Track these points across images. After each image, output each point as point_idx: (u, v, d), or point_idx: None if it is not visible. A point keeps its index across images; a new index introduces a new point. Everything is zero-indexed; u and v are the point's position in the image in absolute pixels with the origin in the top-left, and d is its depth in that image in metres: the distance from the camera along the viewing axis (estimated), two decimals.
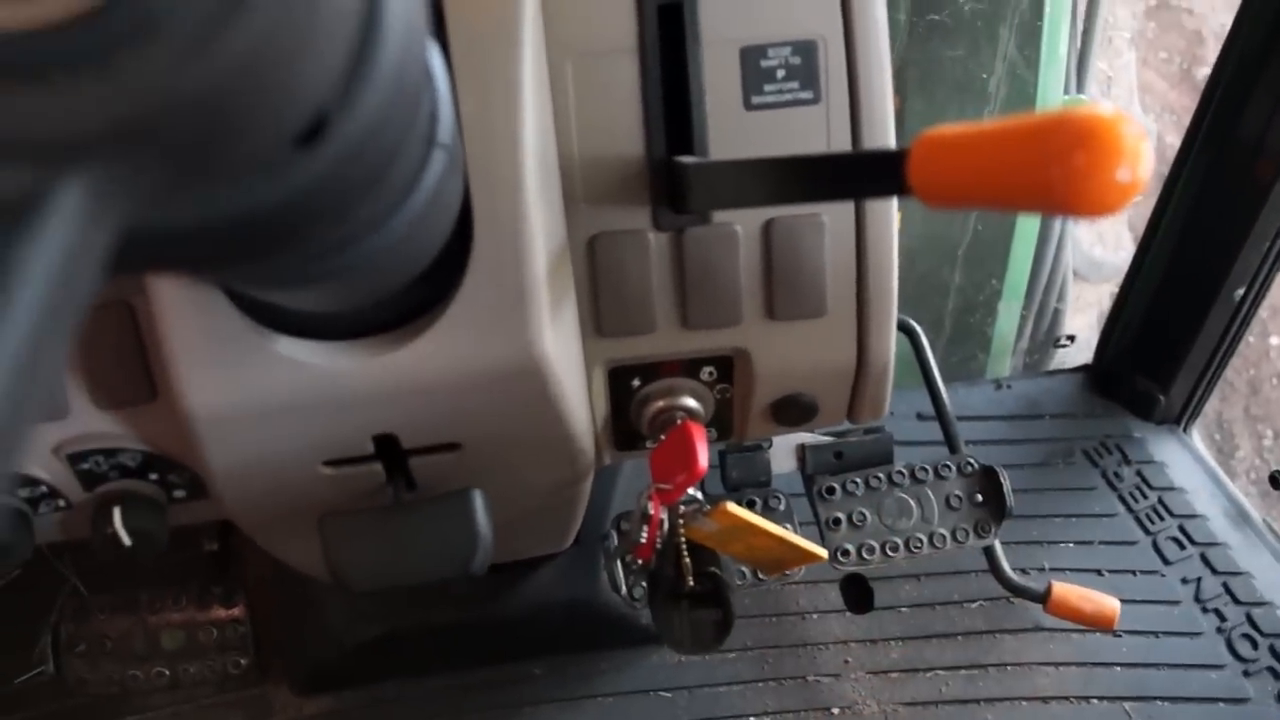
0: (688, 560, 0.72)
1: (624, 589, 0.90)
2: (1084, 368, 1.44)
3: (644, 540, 0.69)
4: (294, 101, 0.27)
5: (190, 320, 0.55)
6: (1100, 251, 2.31)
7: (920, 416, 1.31)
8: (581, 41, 0.59)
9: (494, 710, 1.02)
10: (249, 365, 0.55)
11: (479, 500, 0.62)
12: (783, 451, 1.00)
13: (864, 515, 0.99)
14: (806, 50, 0.61)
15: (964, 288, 1.49)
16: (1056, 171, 0.35)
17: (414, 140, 0.37)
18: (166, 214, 0.28)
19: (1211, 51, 1.11)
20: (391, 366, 0.56)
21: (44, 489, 0.65)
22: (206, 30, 0.21)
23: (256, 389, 0.56)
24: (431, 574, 0.63)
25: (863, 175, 0.51)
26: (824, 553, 0.74)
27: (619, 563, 0.90)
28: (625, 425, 0.69)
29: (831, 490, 0.99)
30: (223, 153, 0.26)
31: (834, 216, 0.63)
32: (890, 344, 0.67)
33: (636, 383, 0.67)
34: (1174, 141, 1.14)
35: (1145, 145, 0.35)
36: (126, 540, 0.65)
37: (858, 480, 1.00)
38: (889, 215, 0.64)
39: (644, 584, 0.92)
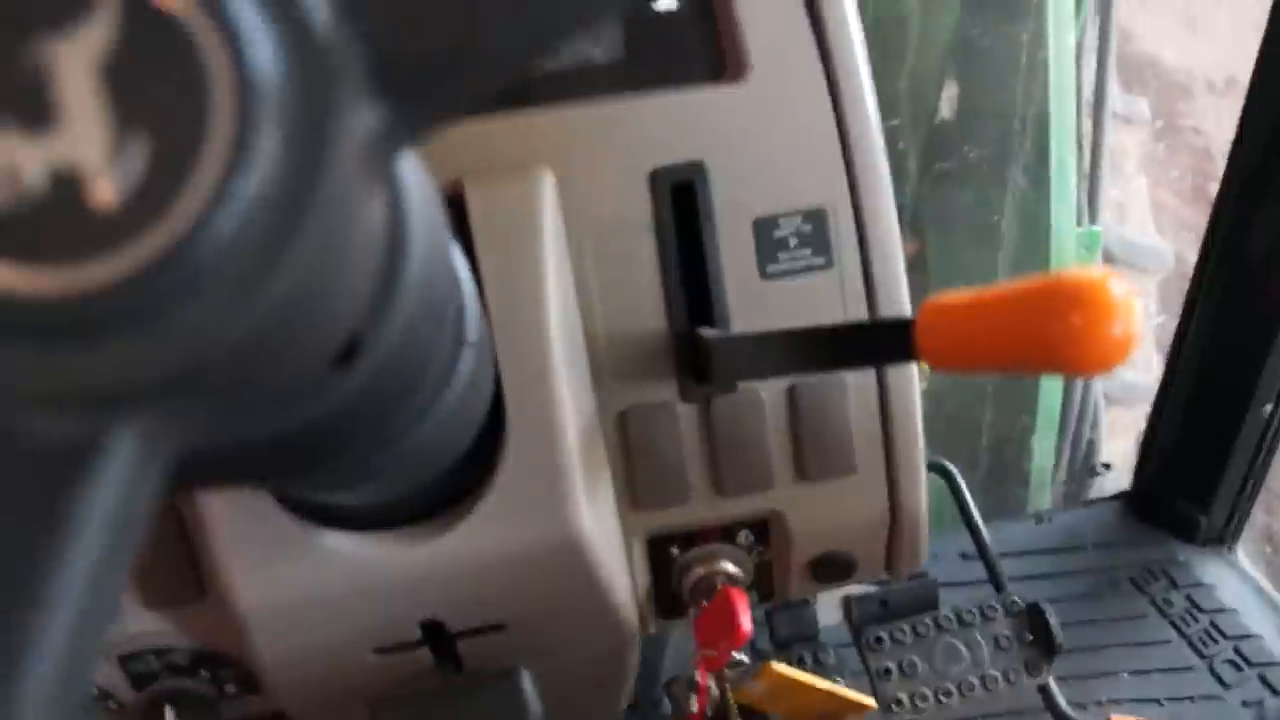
0: None
1: None
2: (1123, 494, 1.43)
3: (695, 710, 0.69)
4: (329, 330, 0.28)
5: (237, 520, 0.56)
6: (1132, 374, 2.31)
7: (964, 556, 1.31)
8: (600, 221, 0.62)
9: None
10: (297, 560, 0.56)
11: (527, 679, 0.63)
12: (829, 604, 1.00)
13: (914, 663, 0.99)
14: (817, 218, 0.63)
15: (996, 424, 1.50)
16: (1056, 332, 0.37)
17: (443, 343, 0.39)
18: (210, 441, 0.29)
19: (1222, 168, 1.14)
20: (435, 553, 0.57)
21: (94, 691, 0.66)
22: (248, 282, 0.23)
23: (305, 583, 0.57)
24: None
25: (874, 344, 0.53)
26: (872, 702, 0.74)
27: None
28: (667, 593, 0.69)
29: (880, 640, 0.99)
30: (264, 385, 0.28)
31: (855, 375, 0.65)
32: (921, 494, 0.68)
33: (675, 551, 0.67)
34: (1194, 258, 1.17)
35: (1135, 301, 0.37)
36: None
37: (905, 628, 1.00)
38: (909, 370, 0.66)
39: None
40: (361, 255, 0.27)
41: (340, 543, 0.57)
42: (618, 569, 0.64)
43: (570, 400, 0.58)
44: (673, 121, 0.62)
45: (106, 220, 0.21)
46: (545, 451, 0.57)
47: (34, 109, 0.21)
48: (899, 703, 0.97)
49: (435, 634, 0.62)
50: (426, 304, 0.34)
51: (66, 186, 0.21)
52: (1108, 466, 1.63)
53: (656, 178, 0.62)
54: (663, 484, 0.64)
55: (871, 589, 1.01)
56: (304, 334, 0.27)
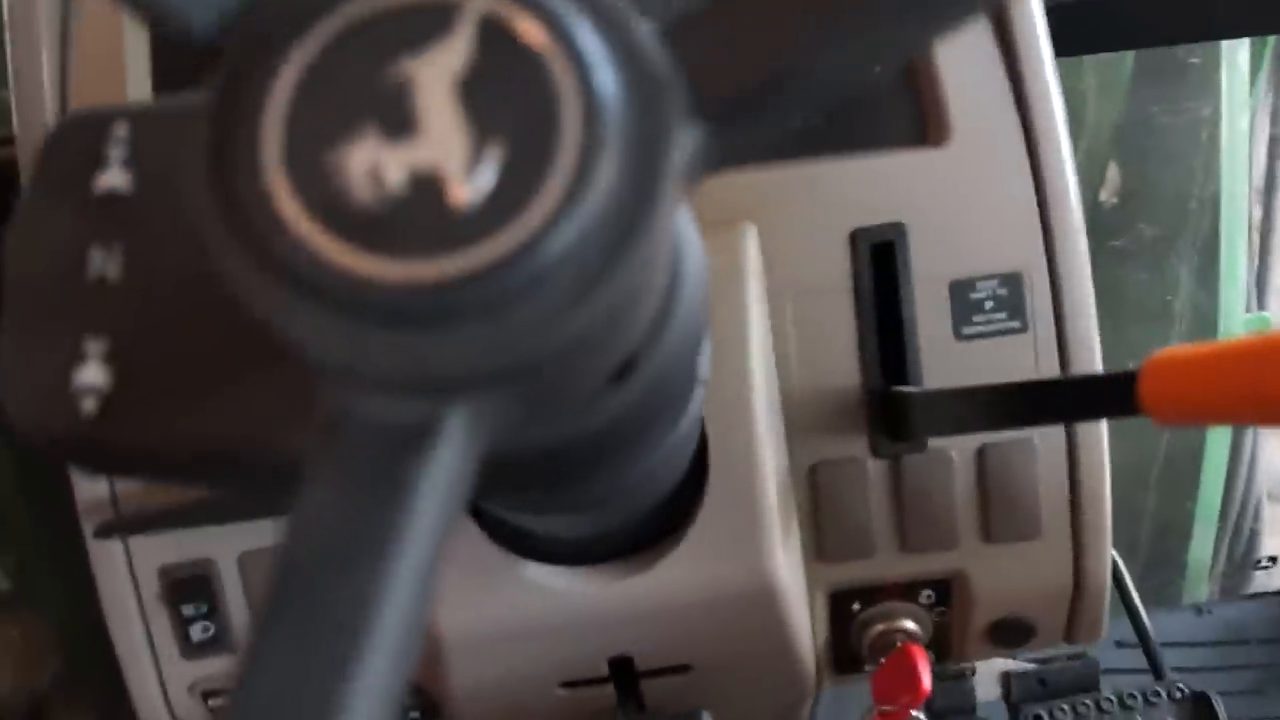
0: None
1: None
2: None
3: None
4: (622, 344, 0.30)
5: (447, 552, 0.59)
6: None
7: (1119, 644, 1.28)
8: (799, 278, 0.63)
9: None
10: (499, 591, 0.58)
11: None
12: (987, 679, 0.99)
13: None
14: (1013, 282, 0.64)
15: (1158, 511, 1.47)
16: None
17: (688, 376, 0.41)
18: (501, 444, 0.31)
19: None
20: (633, 590, 0.59)
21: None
22: (583, 288, 0.25)
23: (506, 613, 0.59)
24: None
25: (1094, 397, 0.53)
26: None
27: None
28: (844, 648, 0.70)
29: (1039, 718, 0.97)
30: (565, 391, 0.30)
31: (1045, 441, 0.65)
32: (1106, 564, 0.68)
33: (856, 606, 0.68)
34: None
35: None
36: None
37: (1065, 707, 0.98)
38: (1100, 437, 0.66)
39: None
40: (659, 274, 0.29)
41: (543, 575, 0.59)
42: (803, 620, 0.64)
43: (770, 447, 0.59)
44: (875, 183, 0.64)
45: (462, 220, 0.23)
46: (745, 497, 0.58)
47: (398, 119, 0.24)
48: None
49: (622, 671, 0.64)
50: (687, 332, 0.36)
51: (426, 188, 0.24)
52: (1274, 560, 1.58)
53: (857, 238, 0.63)
54: (849, 538, 0.65)
55: (1030, 667, 1.00)
56: (609, 344, 0.29)
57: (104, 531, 0.63)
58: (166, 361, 0.36)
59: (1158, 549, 1.51)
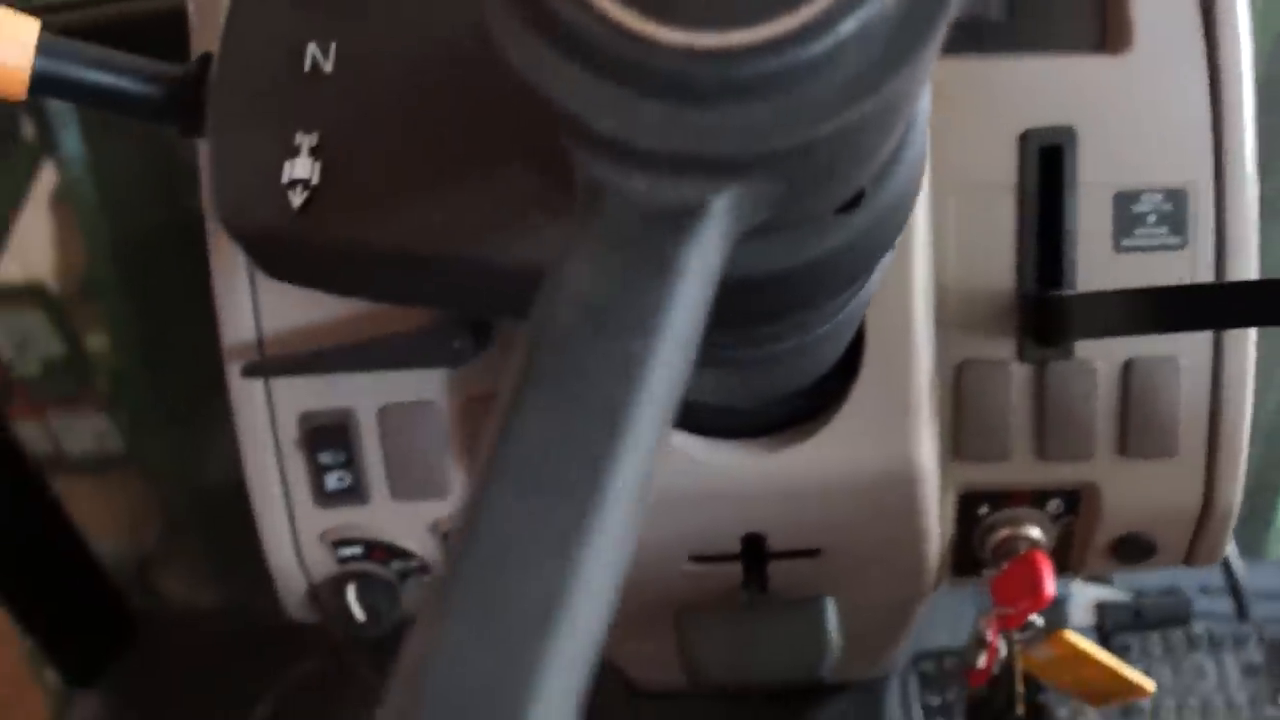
0: (1021, 688, 0.73)
1: None
2: None
3: (981, 665, 0.70)
4: (862, 171, 0.31)
5: None
6: None
7: (1204, 590, 1.28)
8: (965, 174, 0.63)
9: None
10: None
11: (832, 609, 0.64)
12: (1080, 607, 1.00)
13: (1161, 674, 0.98)
14: (1178, 197, 0.63)
15: (1253, 467, 1.46)
16: None
17: (892, 234, 0.41)
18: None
19: None
20: (779, 467, 0.59)
21: (416, 564, 0.69)
22: (868, 75, 0.25)
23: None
24: (781, 676, 0.65)
25: (1254, 303, 0.53)
26: (1151, 686, 0.74)
27: (919, 704, 0.91)
28: (966, 551, 0.70)
29: (1128, 647, 0.98)
30: (811, 199, 0.30)
31: (1191, 360, 0.64)
32: (1238, 488, 0.68)
33: (984, 509, 0.68)
34: None
35: None
36: None
37: (1156, 638, 0.99)
38: (1247, 361, 0.65)
39: None
40: (916, 97, 0.29)
41: (691, 445, 0.59)
42: (935, 514, 0.65)
43: (925, 337, 0.59)
44: (1050, 85, 0.63)
45: None
46: (898, 382, 0.58)
47: None
48: (1140, 709, 0.97)
49: (753, 550, 0.64)
50: (908, 182, 0.36)
51: None
52: None
53: (1026, 138, 0.63)
54: (986, 439, 0.65)
55: (1124, 598, 1.01)
56: (860, 156, 0.29)
57: (251, 371, 0.64)
58: (375, 160, 0.37)
59: (1250, 503, 1.49)
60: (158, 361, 1.18)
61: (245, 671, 1.16)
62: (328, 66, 0.38)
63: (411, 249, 0.36)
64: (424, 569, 0.70)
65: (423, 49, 0.37)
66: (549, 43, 0.26)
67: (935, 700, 1.00)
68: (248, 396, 0.66)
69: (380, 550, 0.69)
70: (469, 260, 0.36)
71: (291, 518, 0.68)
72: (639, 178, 0.26)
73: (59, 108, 1.07)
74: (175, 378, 1.20)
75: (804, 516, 0.62)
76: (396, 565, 0.70)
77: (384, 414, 0.66)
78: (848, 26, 0.24)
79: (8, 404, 1.18)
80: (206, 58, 0.40)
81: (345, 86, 0.37)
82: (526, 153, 0.34)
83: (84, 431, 1.22)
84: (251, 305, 0.64)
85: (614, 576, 0.23)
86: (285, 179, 0.37)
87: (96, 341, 1.20)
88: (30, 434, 1.20)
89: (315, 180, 0.36)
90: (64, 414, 1.21)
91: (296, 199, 0.37)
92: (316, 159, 0.37)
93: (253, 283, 0.64)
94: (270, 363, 0.63)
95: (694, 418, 0.60)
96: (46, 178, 1.22)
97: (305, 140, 0.37)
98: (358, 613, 0.69)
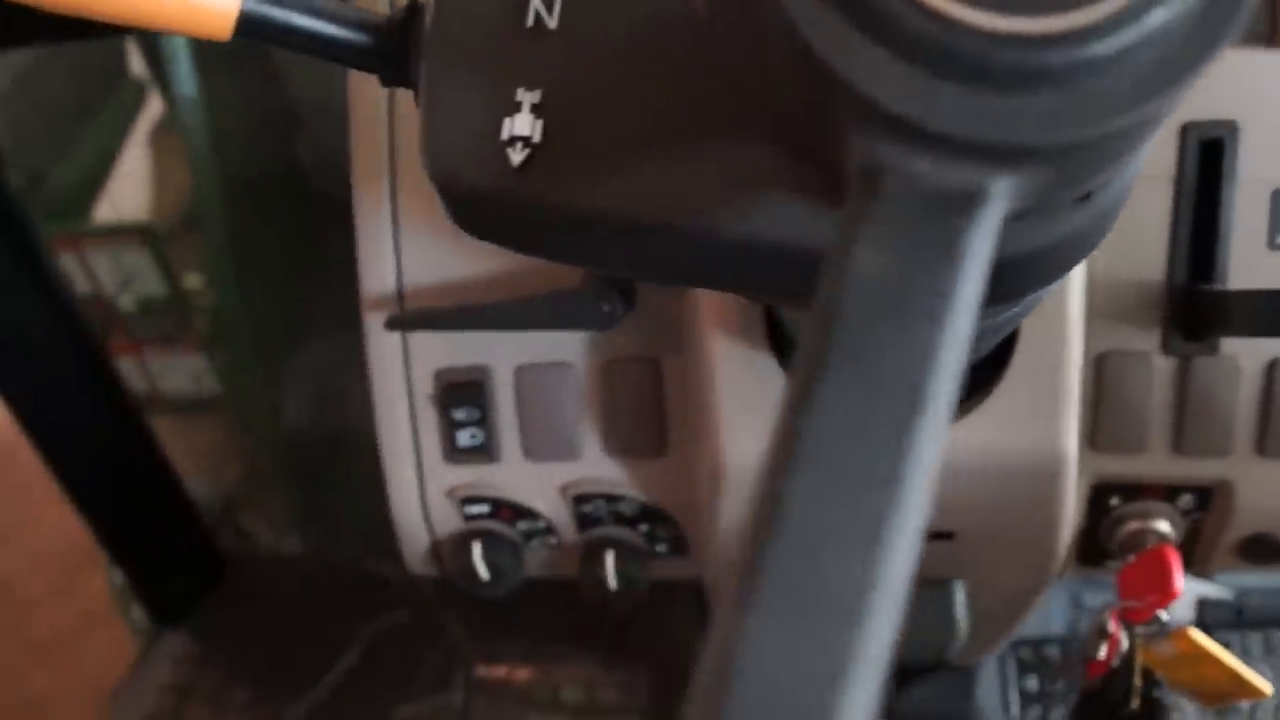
0: (1139, 682, 0.72)
1: (1015, 709, 0.90)
2: None
3: (1101, 657, 0.69)
4: (1130, 158, 0.30)
5: (741, 381, 0.59)
6: None
7: None
8: None
9: None
10: None
11: (961, 593, 0.64)
12: (1181, 603, 0.99)
13: (1261, 675, 0.97)
14: None
15: None
16: None
17: (1105, 229, 0.40)
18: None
19: None
20: None
21: (542, 525, 0.70)
22: (1165, 74, 0.25)
23: None
24: (908, 656, 0.65)
25: None
26: (1270, 689, 0.73)
27: (1016, 688, 0.90)
28: (1092, 541, 0.70)
29: (1229, 645, 0.97)
30: (1071, 189, 0.30)
31: None
32: None
33: (1115, 501, 0.68)
34: None
35: None
36: (613, 585, 0.69)
37: (1257, 638, 0.98)
38: None
39: (1039, 708, 0.92)
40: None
41: None
42: (1073, 504, 0.64)
43: (1078, 325, 0.59)
44: (1214, 78, 0.62)
45: None
46: (1050, 372, 0.58)
47: None
48: (1237, 709, 0.96)
49: None
50: (1129, 181, 0.36)
51: None
52: None
53: (1188, 131, 0.62)
54: (1124, 431, 0.65)
55: (1227, 596, 1.00)
56: (1124, 152, 0.29)
57: (394, 324, 0.64)
58: (600, 122, 0.36)
59: None
60: (253, 306, 1.18)
61: (332, 618, 1.17)
62: (552, 23, 0.37)
63: (636, 216, 0.36)
64: (550, 531, 0.70)
65: (652, 10, 0.37)
66: (848, 20, 0.26)
67: (1033, 687, 1.00)
68: (384, 349, 0.66)
69: (507, 510, 0.69)
70: (696, 232, 0.35)
71: (420, 472, 0.69)
72: (924, 161, 0.26)
73: (172, 43, 1.07)
74: (269, 323, 1.20)
75: (943, 499, 0.61)
76: (523, 525, 0.70)
77: (520, 374, 0.66)
78: (1153, 21, 0.24)
79: (109, 340, 1.20)
80: (414, 7, 0.40)
81: (570, 44, 0.37)
82: (764, 123, 0.34)
83: (180, 372, 1.23)
84: (394, 257, 0.65)
85: (912, 564, 0.22)
86: (505, 136, 0.37)
87: (195, 281, 1.21)
88: (129, 371, 1.21)
89: (537, 138, 0.36)
90: (162, 353, 1.22)
91: (516, 157, 0.36)
92: (538, 117, 0.36)
93: (396, 234, 0.64)
94: (414, 316, 0.64)
95: None
96: (152, 114, 1.23)
97: (527, 97, 0.37)
98: (482, 571, 0.69)
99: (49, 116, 1.21)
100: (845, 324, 0.24)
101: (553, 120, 0.36)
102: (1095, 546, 0.70)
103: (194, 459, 1.25)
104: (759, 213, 0.35)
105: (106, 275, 1.17)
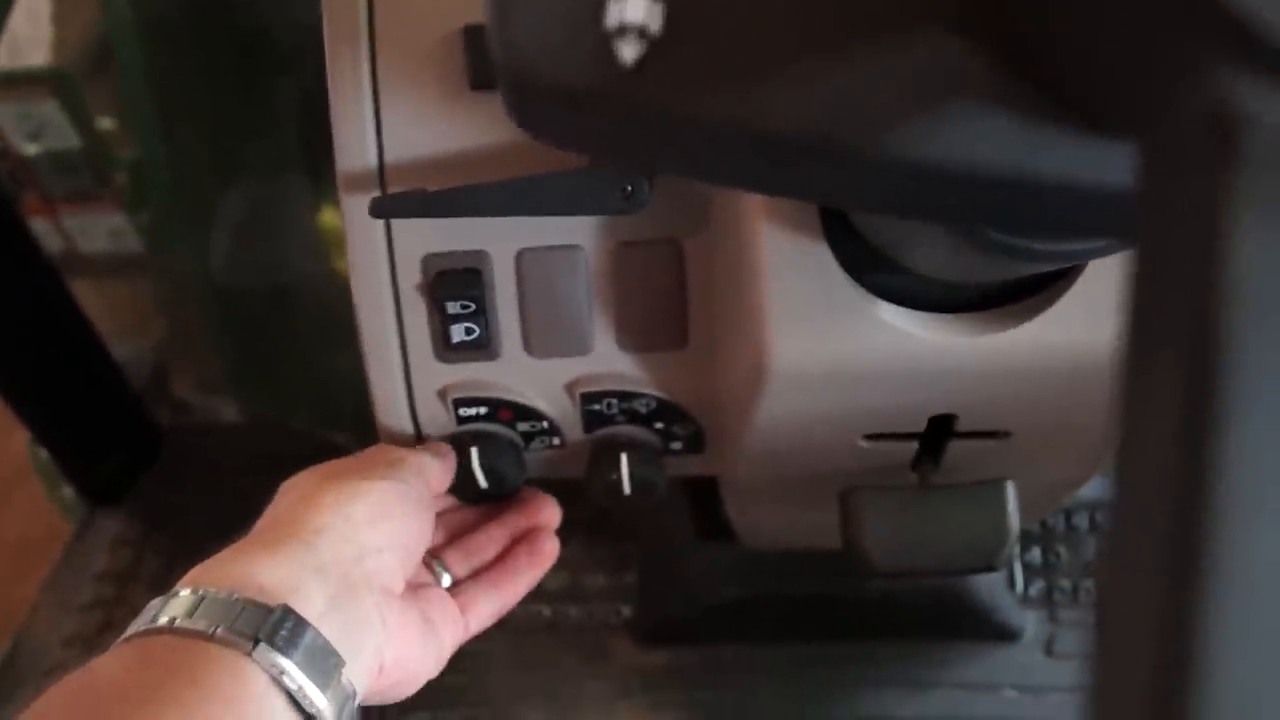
0: None
1: (1020, 586, 0.87)
2: None
3: None
4: None
5: (791, 272, 0.52)
6: None
7: None
8: None
9: (832, 686, 1.00)
10: (847, 327, 0.52)
11: (1012, 493, 0.59)
12: None
13: None
14: None
15: None
16: None
17: None
18: None
19: None
20: (996, 345, 0.52)
21: (544, 425, 0.63)
22: None
23: (849, 352, 0.53)
24: (955, 563, 0.60)
25: None
26: None
27: (1018, 561, 0.87)
28: None
29: None
30: None
31: None
32: None
33: None
34: None
35: None
36: (628, 489, 0.63)
37: None
38: None
39: (1042, 582, 0.89)
40: None
41: (900, 318, 0.52)
42: None
43: None
44: None
45: None
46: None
47: None
48: None
49: (939, 430, 0.58)
50: None
51: None
52: None
53: None
54: None
55: None
56: None
57: (380, 210, 0.55)
58: (736, 14, 0.28)
59: None
60: (177, 154, 1.08)
61: (276, 489, 1.10)
62: None
63: (785, 131, 0.28)
64: (554, 432, 0.63)
65: None
66: None
67: (1036, 559, 0.98)
68: (364, 233, 0.58)
69: (507, 411, 0.62)
70: (858, 150, 0.28)
71: (407, 371, 0.61)
72: None
73: None
74: (195, 173, 1.10)
75: (1006, 397, 0.56)
76: (523, 427, 0.63)
77: (522, 259, 0.58)
78: None
79: (20, 199, 1.08)
80: None
81: None
82: (961, 13, 0.26)
83: (100, 230, 1.13)
84: (374, 130, 0.56)
85: None
86: (611, 24, 0.28)
87: (111, 129, 1.09)
88: (43, 232, 1.11)
89: (656, 29, 0.28)
90: (79, 211, 1.11)
91: (628, 51, 0.28)
92: (658, 0, 0.28)
93: (376, 103, 0.55)
94: (404, 201, 0.55)
95: (906, 290, 0.53)
96: None
97: None
98: (481, 479, 0.62)
99: None
100: (1244, 344, 0.18)
101: (676, 8, 0.28)
102: None
103: (118, 324, 1.15)
104: (947, 132, 0.27)
105: (13, 128, 1.05)
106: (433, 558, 0.63)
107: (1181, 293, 0.19)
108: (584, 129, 0.31)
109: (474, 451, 0.62)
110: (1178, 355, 0.19)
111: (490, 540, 0.65)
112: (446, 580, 0.62)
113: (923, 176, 0.28)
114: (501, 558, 0.64)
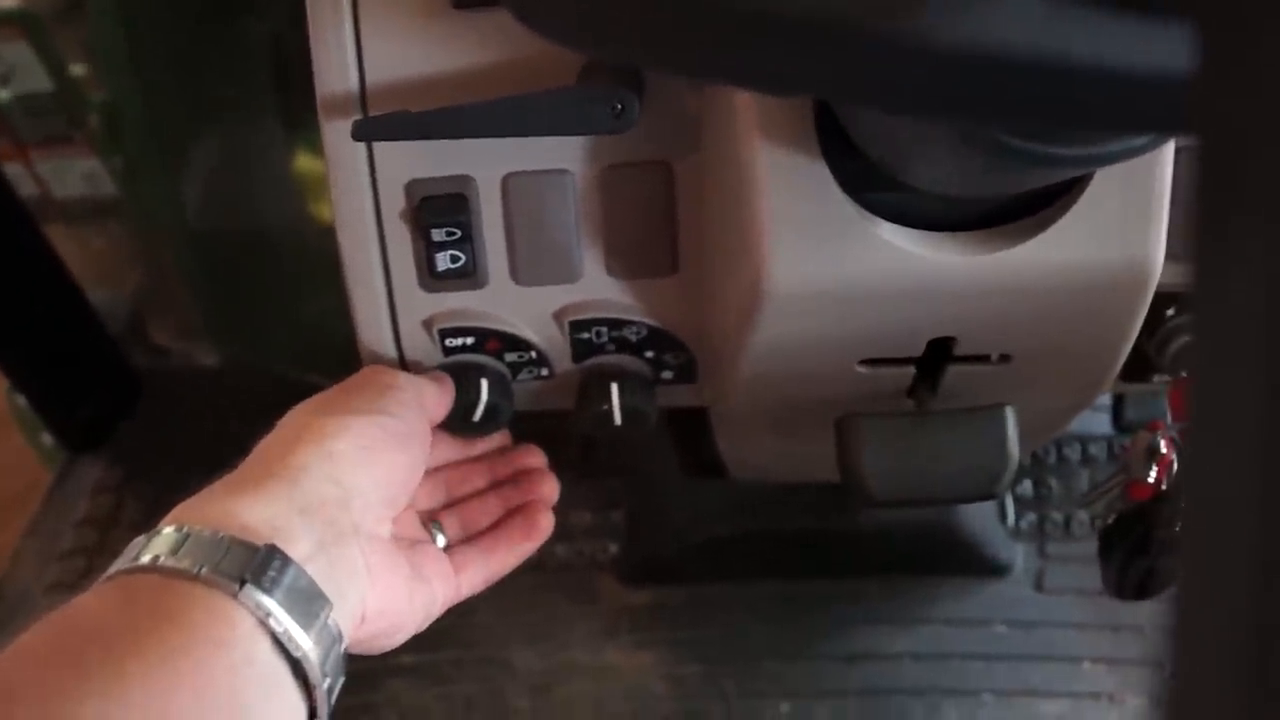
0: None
1: (1011, 519, 0.86)
2: None
3: (1151, 479, 0.64)
4: None
5: (789, 191, 0.50)
6: None
7: None
8: None
9: (822, 623, 0.99)
10: (846, 246, 0.51)
11: (1012, 419, 0.58)
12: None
13: None
14: None
15: None
16: None
17: None
18: None
19: None
20: (999, 263, 0.51)
21: (533, 355, 0.61)
22: None
23: (848, 272, 0.51)
24: (954, 491, 0.59)
25: None
26: None
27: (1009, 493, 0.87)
28: (1139, 355, 0.64)
29: None
30: None
31: None
32: None
33: (1171, 311, 0.61)
34: None
35: None
36: (619, 419, 0.61)
37: None
38: None
39: (1032, 516, 0.89)
40: None
41: (899, 237, 0.51)
42: (1143, 317, 0.58)
43: None
44: None
45: None
46: (1141, 176, 0.50)
47: None
48: None
49: (936, 354, 0.57)
50: None
51: None
52: None
53: None
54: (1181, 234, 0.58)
55: None
56: None
57: (362, 133, 0.53)
58: None
59: None
60: (150, 96, 1.05)
61: (257, 433, 1.09)
62: None
63: (814, 19, 0.26)
64: (542, 362, 0.62)
65: None
66: None
67: (1027, 491, 0.97)
68: (346, 159, 0.56)
69: (495, 340, 0.61)
70: (878, 33, 0.26)
71: (391, 301, 0.60)
72: None
73: None
74: (169, 114, 1.08)
75: (1007, 318, 0.55)
76: (511, 358, 0.62)
77: (508, 184, 0.57)
78: None
79: None
80: None
81: None
82: None
83: (73, 174, 1.11)
84: (355, 52, 0.54)
85: None
86: None
87: (84, 72, 1.07)
88: (16, 177, 1.08)
89: None
90: (52, 155, 1.09)
91: None
92: None
93: (356, 23, 0.54)
94: (386, 123, 0.53)
95: (905, 209, 0.51)
96: None
97: None
98: (479, 411, 0.61)
99: None
100: None
101: None
102: (1141, 360, 0.64)
103: (95, 270, 1.13)
104: (978, 7, 0.26)
105: None
106: (430, 519, 0.62)
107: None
108: (592, 17, 0.30)
109: (483, 384, 0.61)
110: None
111: (486, 510, 0.65)
112: (441, 541, 0.62)
113: (948, 63, 0.26)
114: (496, 526, 0.64)
